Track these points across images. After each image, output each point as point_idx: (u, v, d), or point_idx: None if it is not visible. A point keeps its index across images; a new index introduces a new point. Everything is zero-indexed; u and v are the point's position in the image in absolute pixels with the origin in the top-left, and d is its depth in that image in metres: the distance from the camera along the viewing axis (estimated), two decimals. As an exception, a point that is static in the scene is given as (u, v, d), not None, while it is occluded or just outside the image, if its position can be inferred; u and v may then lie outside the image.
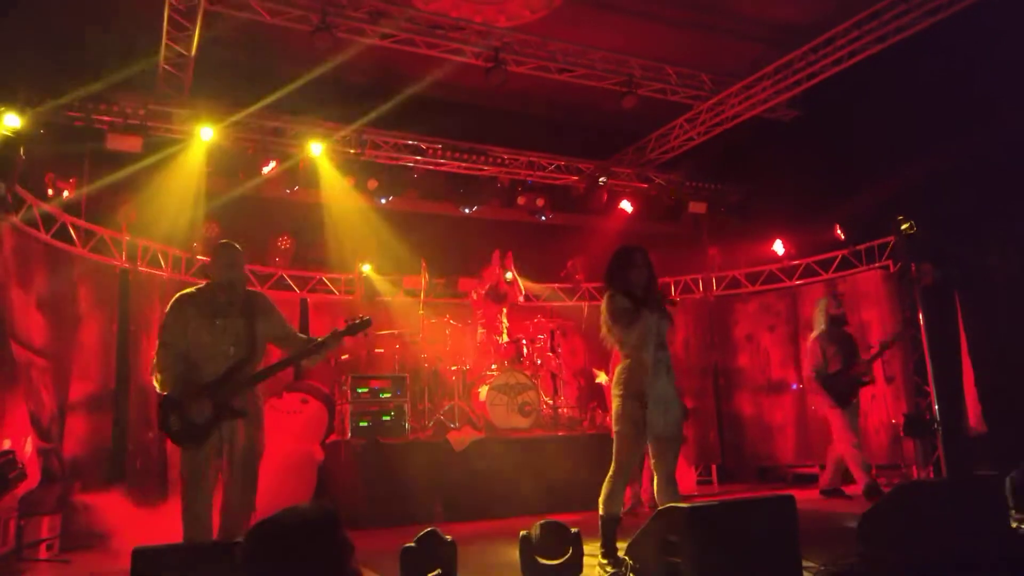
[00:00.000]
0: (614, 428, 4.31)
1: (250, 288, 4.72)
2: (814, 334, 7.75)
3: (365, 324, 4.44)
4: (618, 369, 4.34)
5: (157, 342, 4.19)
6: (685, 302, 10.65)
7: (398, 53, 7.80)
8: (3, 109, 6.22)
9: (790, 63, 8.40)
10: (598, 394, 8.56)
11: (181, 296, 4.30)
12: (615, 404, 4.29)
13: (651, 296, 4.25)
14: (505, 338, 8.56)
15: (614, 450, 4.32)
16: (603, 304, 4.39)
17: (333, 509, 1.85)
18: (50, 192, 6.90)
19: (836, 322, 7.69)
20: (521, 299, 8.97)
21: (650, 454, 4.29)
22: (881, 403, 8.71)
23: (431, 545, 3.69)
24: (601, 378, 7.58)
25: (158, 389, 4.11)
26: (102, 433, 6.91)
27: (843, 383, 7.45)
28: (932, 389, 8.12)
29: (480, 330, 8.56)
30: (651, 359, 4.18)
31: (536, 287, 10.31)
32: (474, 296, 8.72)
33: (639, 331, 4.18)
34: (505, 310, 8.75)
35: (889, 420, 8.57)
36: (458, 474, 7.22)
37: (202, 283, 4.37)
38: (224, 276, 4.23)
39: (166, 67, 7.37)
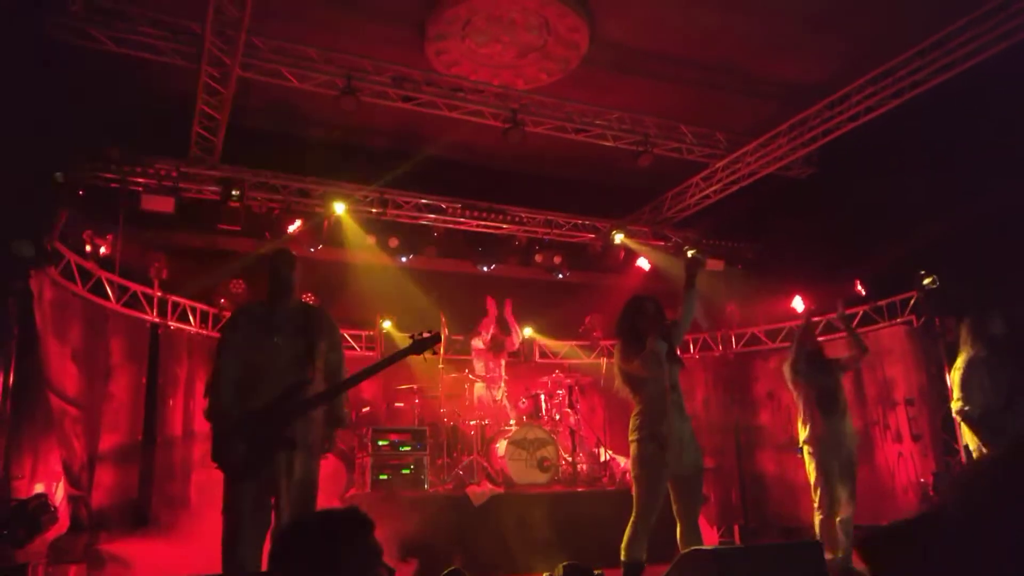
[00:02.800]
0: (632, 473, 4.33)
1: (308, 304, 4.42)
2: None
3: (435, 339, 4.13)
4: (633, 415, 4.39)
5: (214, 363, 3.88)
6: (705, 359, 10.65)
7: (419, 115, 8.11)
8: (50, 171, 6.54)
9: (805, 120, 8.55)
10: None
11: (239, 310, 4.06)
12: (632, 449, 4.32)
13: (665, 339, 4.31)
14: (501, 393, 8.58)
15: (635, 495, 4.32)
16: (616, 354, 4.46)
17: (366, 514, 1.88)
18: (88, 248, 7.17)
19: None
20: (518, 344, 8.99)
21: (672, 499, 4.28)
22: (909, 461, 8.58)
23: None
24: None
25: (205, 414, 3.83)
26: (128, 484, 7.01)
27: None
28: (960, 446, 7.98)
29: (478, 384, 8.62)
30: (665, 403, 4.22)
31: (554, 344, 10.38)
32: (479, 344, 8.78)
33: (651, 377, 4.24)
34: (503, 362, 8.80)
35: (918, 479, 8.40)
36: (477, 529, 7.18)
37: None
38: (277, 278, 3.97)
39: (199, 130, 7.72)
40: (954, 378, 5.37)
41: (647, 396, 4.30)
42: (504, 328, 8.98)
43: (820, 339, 9.60)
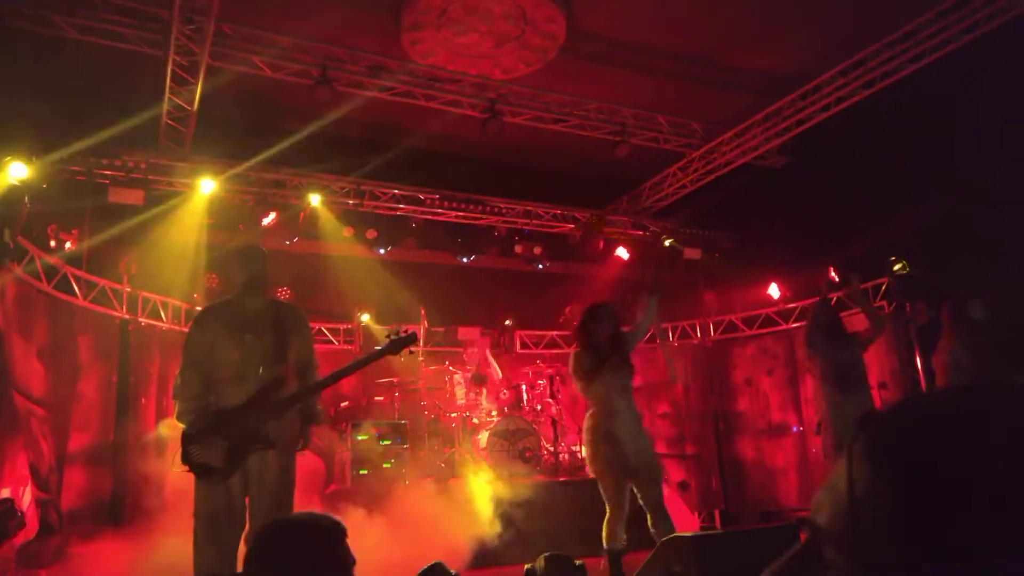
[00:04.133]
0: (591, 470, 4.61)
1: (278, 300, 4.30)
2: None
3: (410, 339, 4.06)
4: (586, 416, 4.64)
5: (181, 363, 3.78)
6: (684, 348, 10.68)
7: (396, 106, 8.00)
8: (9, 159, 6.33)
9: (779, 110, 8.61)
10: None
11: (206, 309, 3.93)
12: (587, 449, 4.60)
13: (616, 346, 4.56)
14: (483, 398, 8.55)
15: (601, 490, 4.60)
16: (571, 360, 4.72)
17: (340, 521, 1.91)
18: (52, 244, 6.98)
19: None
20: (498, 380, 8.95)
21: (635, 491, 4.50)
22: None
23: (438, 581, 3.63)
24: None
25: (176, 416, 3.74)
26: (101, 485, 6.84)
27: None
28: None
29: (458, 376, 8.59)
30: (613, 405, 4.48)
31: (534, 334, 10.34)
32: (459, 380, 8.67)
33: (600, 382, 4.51)
34: (485, 391, 8.75)
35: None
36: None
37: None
38: (247, 274, 3.84)
39: (168, 121, 7.53)
40: (938, 363, 5.41)
41: (598, 398, 4.54)
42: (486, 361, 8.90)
43: (796, 325, 9.79)
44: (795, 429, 9.77)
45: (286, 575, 1.73)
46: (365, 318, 9.30)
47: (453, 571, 3.70)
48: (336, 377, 4.01)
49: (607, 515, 4.52)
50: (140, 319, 7.80)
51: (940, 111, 7.51)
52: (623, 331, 4.71)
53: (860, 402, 5.54)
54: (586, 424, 4.60)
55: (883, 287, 8.97)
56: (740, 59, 8.13)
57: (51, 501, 5.98)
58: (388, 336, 4.07)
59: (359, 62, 7.46)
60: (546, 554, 4.11)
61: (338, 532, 1.83)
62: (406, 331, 4.11)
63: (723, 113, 9.01)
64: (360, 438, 7.40)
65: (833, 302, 7.05)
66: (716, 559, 3.36)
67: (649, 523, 4.44)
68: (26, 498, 5.34)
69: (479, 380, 8.68)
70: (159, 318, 8.12)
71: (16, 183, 6.34)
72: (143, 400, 7.50)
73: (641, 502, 4.46)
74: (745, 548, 3.50)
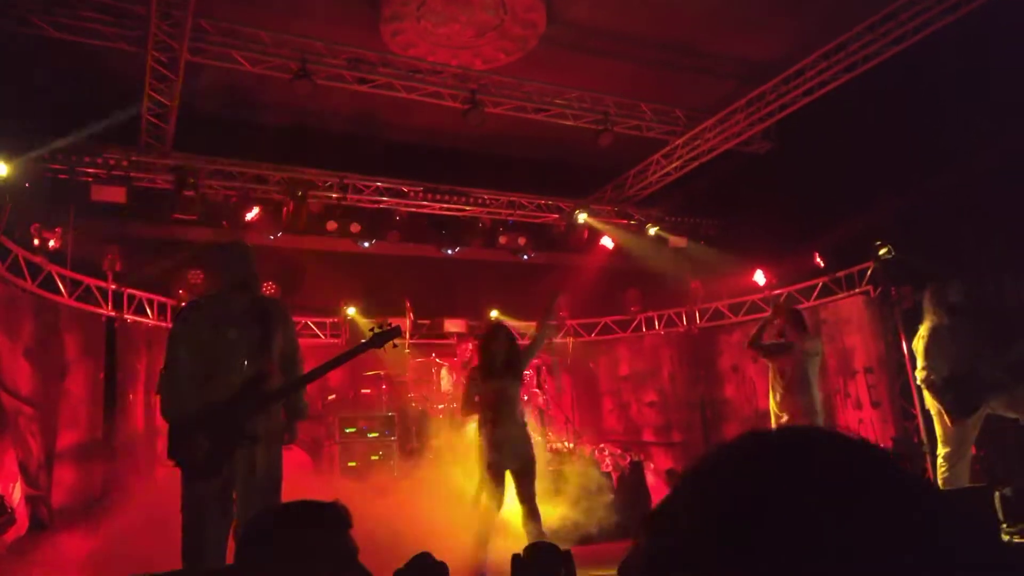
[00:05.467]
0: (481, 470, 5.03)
1: (262, 295, 4.28)
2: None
3: (394, 333, 4.08)
4: (476, 423, 5.14)
5: (165, 358, 3.76)
6: (669, 336, 10.73)
7: (377, 98, 7.98)
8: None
9: (762, 96, 8.62)
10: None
11: (191, 304, 3.93)
12: (477, 452, 5.07)
13: (510, 362, 5.05)
14: None
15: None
16: (469, 375, 5.46)
17: (346, 508, 1.83)
18: (36, 242, 6.96)
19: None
20: None
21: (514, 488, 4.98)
22: (869, 428, 8.75)
23: (423, 568, 3.68)
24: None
25: (161, 411, 3.72)
26: (90, 482, 6.84)
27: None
28: (919, 412, 8.16)
29: (445, 369, 8.65)
30: (500, 410, 4.96)
31: (520, 325, 10.36)
32: (446, 380, 8.73)
33: (491, 389, 5.01)
34: None
35: (878, 444, 8.58)
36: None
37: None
38: (238, 273, 3.82)
39: (149, 118, 7.51)
40: (918, 347, 5.47)
41: (485, 407, 5.01)
42: None
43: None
44: (781, 414, 9.83)
45: (283, 562, 1.68)
46: (351, 312, 9.31)
47: (440, 561, 3.75)
48: (320, 371, 4.03)
49: (483, 507, 4.89)
50: (126, 316, 7.80)
51: (922, 94, 7.54)
52: (517, 348, 5.28)
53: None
54: (476, 430, 5.13)
55: (868, 271, 9.02)
56: (722, 45, 8.13)
57: (41, 498, 5.99)
58: (372, 330, 4.10)
59: (338, 55, 7.44)
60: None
61: (340, 520, 1.76)
62: (390, 325, 4.14)
63: (706, 99, 9.03)
64: (348, 431, 7.43)
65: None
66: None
67: (521, 516, 4.89)
68: (16, 495, 5.36)
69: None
70: (145, 315, 8.12)
71: (-3, 181, 6.32)
72: (131, 396, 7.51)
73: (517, 497, 4.91)
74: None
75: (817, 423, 6.13)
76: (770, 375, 6.54)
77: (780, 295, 8.01)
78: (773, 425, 6.15)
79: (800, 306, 9.78)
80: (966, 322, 5.43)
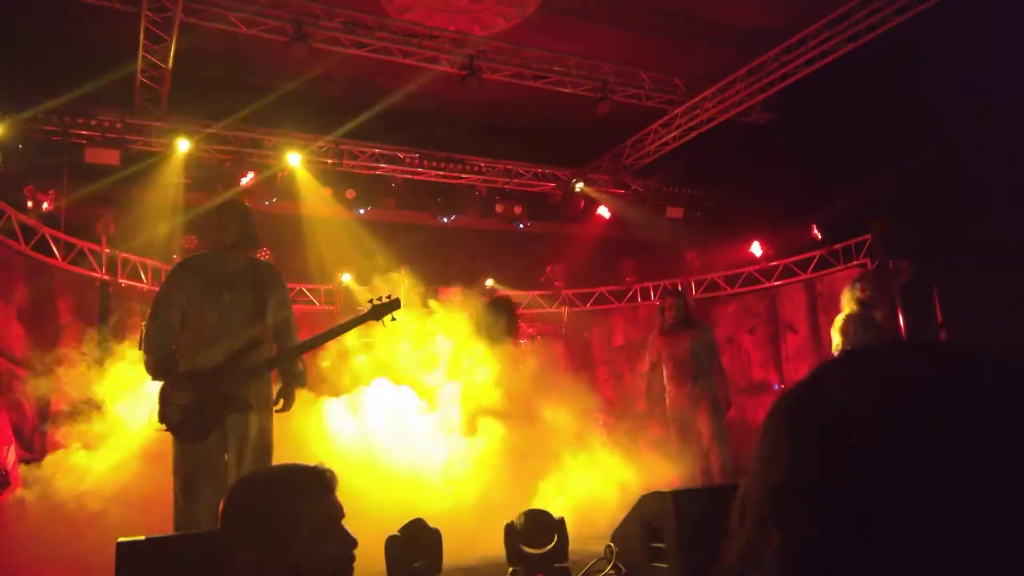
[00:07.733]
0: None
1: (256, 259, 4.13)
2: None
3: (393, 305, 4.00)
4: None
5: (149, 313, 3.68)
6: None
7: (374, 64, 7.88)
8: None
9: (762, 65, 8.53)
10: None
11: (182, 263, 3.82)
12: None
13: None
14: None
15: None
16: None
17: (331, 471, 1.81)
18: (30, 204, 6.90)
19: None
20: None
21: None
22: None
23: (416, 534, 3.71)
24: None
25: (146, 368, 3.64)
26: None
27: None
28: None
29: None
30: None
31: (516, 294, 10.35)
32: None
33: None
34: None
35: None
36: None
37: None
38: (237, 233, 3.72)
39: (143, 80, 7.40)
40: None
41: None
42: None
43: (778, 283, 9.86)
44: (776, 387, 9.90)
45: (264, 527, 1.65)
46: (346, 279, 9.28)
47: (433, 527, 3.78)
48: (316, 342, 4.01)
49: None
50: (120, 280, 7.76)
51: (926, 64, 7.46)
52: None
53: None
54: None
55: (866, 244, 9.01)
56: (723, 13, 8.03)
57: (36, 461, 6.00)
58: (371, 301, 4.02)
59: (335, 18, 7.33)
60: (526, 510, 4.17)
61: (322, 482, 1.72)
62: (388, 297, 4.06)
63: (706, 68, 8.93)
64: (342, 398, 7.42)
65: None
66: (693, 513, 3.43)
67: None
68: (10, 457, 5.37)
69: None
70: (139, 279, 8.08)
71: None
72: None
73: None
74: (723, 503, 3.57)
75: None
76: None
77: None
78: None
79: (796, 279, 9.83)
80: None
